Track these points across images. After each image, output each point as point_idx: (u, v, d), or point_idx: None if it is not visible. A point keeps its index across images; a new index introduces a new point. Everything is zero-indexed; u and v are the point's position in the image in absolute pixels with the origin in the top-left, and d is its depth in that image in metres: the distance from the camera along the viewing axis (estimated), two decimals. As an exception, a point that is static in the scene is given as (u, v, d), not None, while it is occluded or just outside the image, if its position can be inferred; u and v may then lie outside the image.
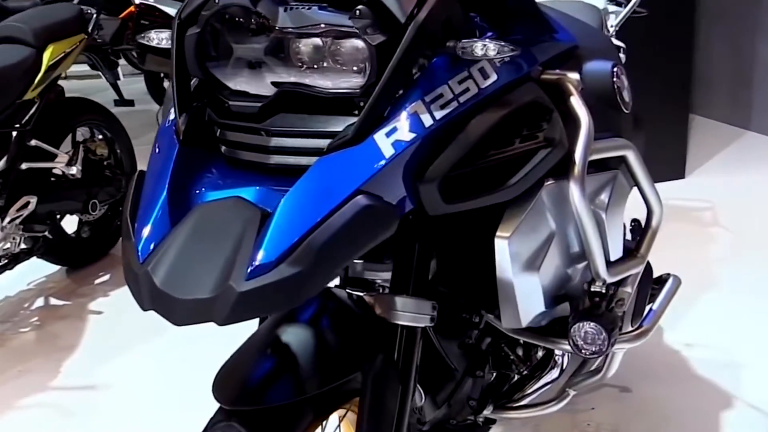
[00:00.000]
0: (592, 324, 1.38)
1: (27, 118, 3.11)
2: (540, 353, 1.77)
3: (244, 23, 1.18)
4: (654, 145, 4.16)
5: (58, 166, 3.28)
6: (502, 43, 1.14)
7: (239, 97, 1.19)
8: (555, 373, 1.74)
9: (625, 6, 2.46)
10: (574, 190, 1.29)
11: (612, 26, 2.41)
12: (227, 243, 1.05)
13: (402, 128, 1.11)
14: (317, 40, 1.14)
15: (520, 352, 1.73)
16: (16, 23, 3.11)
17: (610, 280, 1.42)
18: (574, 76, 1.30)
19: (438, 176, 1.14)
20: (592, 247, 1.35)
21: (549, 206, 1.32)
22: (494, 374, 1.72)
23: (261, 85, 1.19)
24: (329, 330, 1.30)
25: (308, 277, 1.03)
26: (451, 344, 1.61)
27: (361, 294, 1.37)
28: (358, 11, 1.09)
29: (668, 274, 1.82)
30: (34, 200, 3.12)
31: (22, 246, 3.18)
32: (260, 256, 1.02)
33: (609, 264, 1.42)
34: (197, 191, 1.15)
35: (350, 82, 1.14)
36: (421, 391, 1.53)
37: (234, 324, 1.03)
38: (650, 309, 1.66)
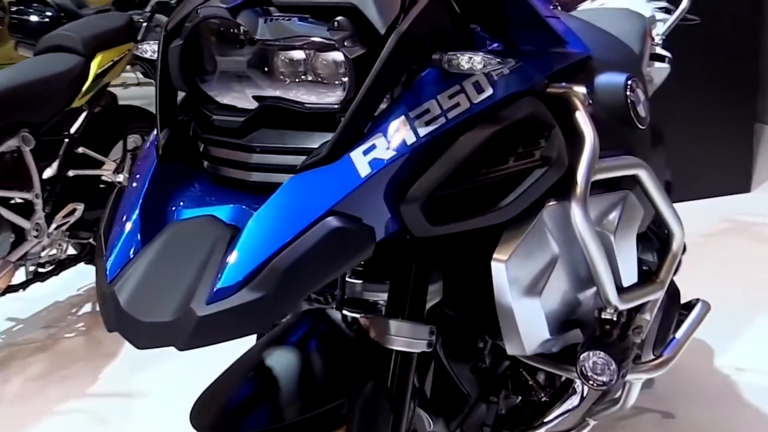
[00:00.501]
0: (601, 354, 1.30)
1: (75, 126, 3.15)
2: (562, 379, 1.68)
3: (227, 36, 1.15)
4: (717, 157, 4.02)
5: (105, 173, 3.31)
6: (490, 56, 1.07)
7: (223, 111, 1.16)
8: (575, 400, 1.65)
9: (674, 13, 2.35)
10: (576, 212, 1.21)
11: (658, 35, 2.30)
12: (194, 264, 1.01)
13: (381, 146, 1.05)
14: (299, 53, 1.10)
15: (540, 377, 1.65)
16: (66, 32, 3.15)
17: (622, 306, 1.33)
18: (580, 89, 1.22)
19: (421, 196, 1.07)
20: (599, 272, 1.27)
21: (551, 228, 1.24)
22: (511, 400, 1.65)
23: (246, 99, 1.15)
24: (317, 354, 1.25)
25: (271, 302, 0.98)
26: (463, 368, 1.54)
27: (356, 316, 1.32)
28: (336, 23, 1.04)
29: (697, 300, 1.71)
30: (81, 207, 3.15)
31: (69, 252, 3.22)
32: (223, 279, 0.97)
33: (621, 290, 1.33)
34: (174, 208, 1.12)
35: (332, 96, 1.09)
36: (426, 416, 1.46)
37: (197, 349, 0.99)
38: (673, 337, 1.56)
